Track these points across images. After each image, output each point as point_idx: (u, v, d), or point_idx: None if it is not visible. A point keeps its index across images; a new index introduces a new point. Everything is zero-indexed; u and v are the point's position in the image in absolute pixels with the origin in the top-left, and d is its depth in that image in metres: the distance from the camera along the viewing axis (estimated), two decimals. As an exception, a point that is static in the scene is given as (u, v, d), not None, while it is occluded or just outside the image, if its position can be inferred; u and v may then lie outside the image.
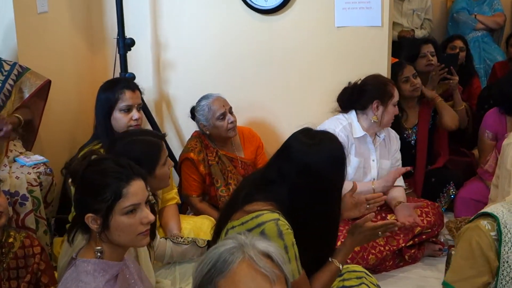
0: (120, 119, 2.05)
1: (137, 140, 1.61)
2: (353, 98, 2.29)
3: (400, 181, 2.38)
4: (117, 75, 2.61)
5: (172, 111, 2.87)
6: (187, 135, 2.65)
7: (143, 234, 1.28)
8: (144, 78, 2.48)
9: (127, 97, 2.06)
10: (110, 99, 2.04)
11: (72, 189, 1.32)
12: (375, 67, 2.44)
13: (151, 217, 1.28)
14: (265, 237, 1.27)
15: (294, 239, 1.34)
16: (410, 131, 2.67)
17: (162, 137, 1.70)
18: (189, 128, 2.64)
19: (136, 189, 1.26)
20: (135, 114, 2.07)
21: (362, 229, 1.51)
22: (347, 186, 1.54)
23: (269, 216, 1.36)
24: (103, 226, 1.24)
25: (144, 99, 2.24)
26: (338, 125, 2.27)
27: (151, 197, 1.41)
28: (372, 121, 2.26)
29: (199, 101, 2.47)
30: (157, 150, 1.62)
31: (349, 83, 2.33)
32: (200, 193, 2.45)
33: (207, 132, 2.44)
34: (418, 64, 2.83)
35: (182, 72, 2.80)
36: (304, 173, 1.39)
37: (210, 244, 1.66)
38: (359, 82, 2.31)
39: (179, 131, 2.88)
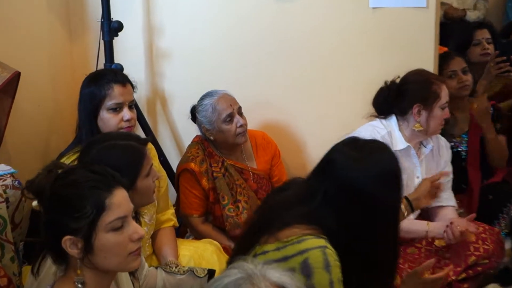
0: (109, 120, 2.04)
1: (115, 145, 1.62)
2: (389, 101, 2.24)
3: (451, 200, 2.35)
4: (101, 66, 2.59)
5: (168, 112, 2.86)
6: (187, 141, 2.64)
7: (135, 254, 1.28)
8: (133, 70, 2.43)
9: (116, 93, 2.05)
10: (95, 96, 2.04)
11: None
12: (418, 58, 2.40)
13: (141, 231, 1.29)
14: (308, 268, 1.29)
15: (341, 274, 1.35)
16: (459, 139, 2.63)
17: (146, 142, 1.70)
18: (189, 132, 2.64)
19: (121, 199, 1.27)
20: (126, 113, 2.06)
21: (419, 281, 1.53)
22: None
23: (315, 242, 1.37)
24: (86, 249, 1.24)
25: (134, 95, 2.19)
26: (375, 135, 2.20)
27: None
28: (415, 129, 2.21)
29: (202, 99, 2.46)
30: (139, 158, 1.62)
31: (385, 82, 2.27)
32: (202, 213, 2.45)
33: (211, 138, 2.44)
34: (471, 53, 2.83)
35: (180, 64, 2.79)
36: (353, 193, 1.41)
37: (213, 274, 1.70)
38: (397, 81, 2.25)
39: (177, 136, 2.87)
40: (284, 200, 1.52)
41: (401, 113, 2.23)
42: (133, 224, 1.29)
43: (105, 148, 1.60)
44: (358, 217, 1.41)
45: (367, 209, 1.42)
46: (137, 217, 1.61)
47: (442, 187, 2.07)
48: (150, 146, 2.01)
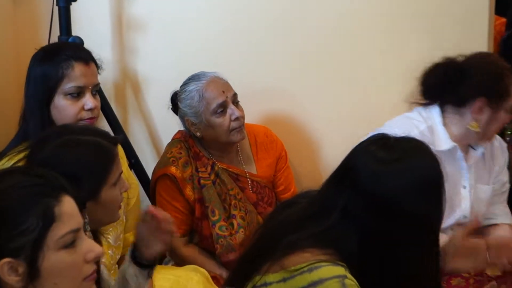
0: (65, 109, 2.04)
1: (77, 142, 1.61)
2: (445, 84, 2.14)
3: (506, 216, 2.35)
4: (54, 39, 2.57)
5: (142, 99, 2.87)
6: (166, 138, 2.65)
7: (90, 279, 1.29)
8: (96, 46, 2.36)
9: (77, 74, 2.04)
10: (49, 77, 2.03)
11: None
12: (466, 34, 2.42)
13: (99, 249, 1.30)
14: None
15: None
16: None
17: (117, 141, 1.70)
18: (169, 126, 2.65)
19: (72, 208, 1.28)
20: (89, 100, 2.06)
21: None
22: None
23: (331, 271, 1.37)
24: (30, 275, 1.22)
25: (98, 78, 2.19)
26: (412, 129, 2.14)
27: (88, 233, 1.47)
28: (470, 128, 2.15)
29: (186, 83, 2.46)
30: (108, 160, 1.63)
31: (443, 60, 2.18)
32: (185, 231, 2.46)
33: (198, 134, 2.45)
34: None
35: (157, 37, 2.81)
36: (382, 208, 1.41)
37: None
38: (459, 60, 2.17)
39: (153, 131, 2.88)
40: (291, 217, 1.53)
41: (457, 103, 2.15)
42: (87, 240, 1.30)
43: (64, 145, 1.59)
44: (386, 239, 1.42)
45: (398, 229, 1.42)
46: (95, 234, 1.66)
47: (485, 247, 1.88)
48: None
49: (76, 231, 1.27)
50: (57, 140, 1.60)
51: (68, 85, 2.03)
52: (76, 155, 1.57)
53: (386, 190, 1.43)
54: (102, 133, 1.71)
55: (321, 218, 1.46)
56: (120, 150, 2.11)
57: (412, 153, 1.47)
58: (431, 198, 1.46)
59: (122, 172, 1.68)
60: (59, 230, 1.24)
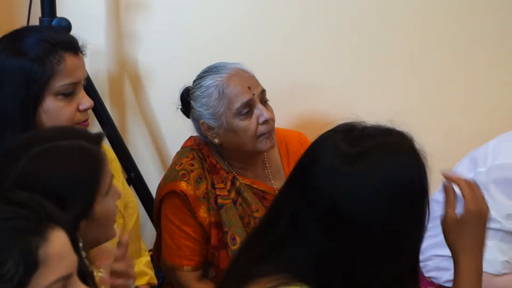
0: (59, 112, 2.06)
1: (52, 151, 1.60)
2: None
3: None
4: (35, 22, 2.57)
5: (144, 98, 2.88)
6: (174, 147, 2.64)
7: None
8: (87, 30, 2.39)
9: (70, 68, 2.06)
10: (34, 74, 2.02)
11: None
12: None
13: None
14: None
15: None
16: None
17: (99, 138, 1.70)
18: (178, 131, 2.66)
19: (61, 248, 1.25)
20: (84, 99, 2.10)
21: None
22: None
23: None
24: None
25: (88, 69, 2.21)
26: None
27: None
28: None
29: (201, 77, 2.45)
30: (94, 167, 1.63)
31: None
32: (198, 264, 2.46)
33: (216, 141, 2.44)
34: None
35: (163, 19, 2.82)
36: (336, 220, 1.44)
37: None
38: None
39: (157, 137, 2.92)
40: (251, 235, 1.62)
41: None
42: (79, 286, 1.28)
43: (37, 158, 1.58)
44: (347, 262, 1.45)
45: (360, 249, 1.45)
46: (86, 276, 1.58)
47: None
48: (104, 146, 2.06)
49: (66, 277, 1.25)
50: (27, 152, 1.58)
51: (61, 82, 2.04)
52: (56, 168, 1.57)
53: (342, 195, 1.45)
54: (80, 132, 1.72)
55: (271, 231, 1.52)
56: (109, 152, 2.22)
57: (384, 148, 1.49)
58: (404, 210, 1.46)
59: (113, 175, 1.71)
60: (45, 279, 1.21)
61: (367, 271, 1.47)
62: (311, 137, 2.39)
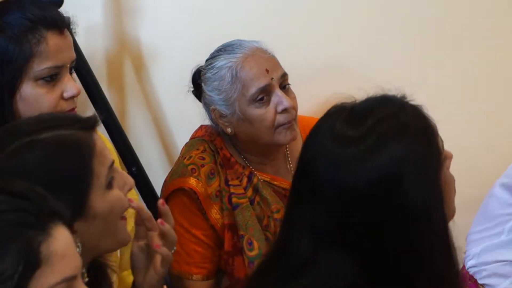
0: (39, 99, 2.05)
1: (33, 144, 1.61)
2: None
3: None
4: None
5: (147, 80, 2.90)
6: (183, 137, 2.66)
7: None
8: (79, 4, 2.43)
9: (52, 49, 2.05)
10: (9, 55, 2.02)
11: None
12: None
13: None
14: None
15: None
16: None
17: (92, 124, 1.70)
18: (187, 119, 2.69)
19: (65, 246, 1.28)
20: (69, 85, 2.09)
21: None
22: None
23: None
24: None
25: (83, 48, 2.25)
26: None
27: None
28: None
29: (214, 56, 2.47)
30: (81, 158, 1.64)
31: None
32: (209, 272, 2.47)
33: (229, 131, 2.46)
34: None
35: None
36: (361, 215, 1.51)
37: None
38: None
39: (163, 126, 2.94)
40: (265, 264, 1.67)
41: None
42: None
43: (12, 157, 1.59)
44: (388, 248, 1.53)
45: (397, 231, 1.53)
46: (98, 271, 1.72)
47: None
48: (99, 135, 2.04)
49: (70, 279, 1.26)
50: (9, 143, 1.61)
51: (42, 65, 2.04)
52: (34, 166, 1.58)
53: (351, 184, 1.51)
54: (66, 119, 1.71)
55: (292, 257, 1.56)
56: (105, 141, 2.19)
57: (386, 121, 1.54)
58: (425, 185, 1.53)
59: (113, 162, 1.69)
60: (47, 279, 1.23)
61: (410, 262, 1.53)
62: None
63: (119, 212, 1.70)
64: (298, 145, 2.50)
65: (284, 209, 1.70)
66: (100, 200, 1.64)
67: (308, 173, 1.58)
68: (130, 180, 1.75)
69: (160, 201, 1.85)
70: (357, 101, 1.61)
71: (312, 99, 2.73)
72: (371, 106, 1.59)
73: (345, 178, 1.52)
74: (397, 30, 2.83)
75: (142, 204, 1.79)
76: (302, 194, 1.59)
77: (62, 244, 1.27)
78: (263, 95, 2.40)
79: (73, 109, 2.10)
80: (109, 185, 1.65)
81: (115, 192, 1.68)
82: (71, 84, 2.09)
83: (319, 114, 2.47)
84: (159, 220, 1.81)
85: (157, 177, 2.70)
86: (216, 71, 2.43)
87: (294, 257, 1.56)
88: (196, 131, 2.57)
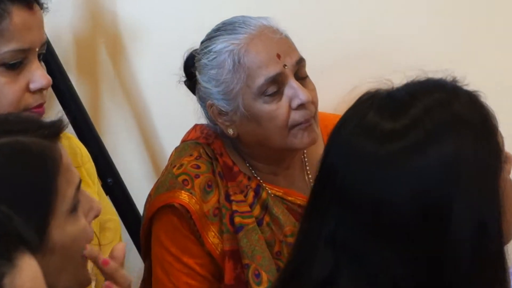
0: (0, 91, 2.06)
1: None
2: None
3: None
4: None
5: (126, 67, 2.93)
6: (172, 140, 2.64)
7: None
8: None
9: (18, 28, 2.05)
10: None
11: None
12: None
13: None
14: None
15: None
16: None
17: (58, 131, 1.67)
18: (177, 117, 2.77)
19: (34, 281, 1.26)
20: (38, 73, 2.08)
21: None
22: None
23: None
24: None
25: (47, 28, 2.17)
26: None
27: None
28: None
29: (211, 37, 2.42)
30: (41, 175, 1.61)
31: None
32: None
33: (231, 132, 2.39)
34: None
35: None
36: (393, 228, 1.48)
37: None
38: None
39: (146, 125, 2.97)
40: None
41: None
42: None
43: None
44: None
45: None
46: None
47: None
48: (72, 141, 2.15)
49: None
50: None
51: (3, 48, 2.05)
52: None
53: (391, 191, 1.47)
54: (27, 121, 1.70)
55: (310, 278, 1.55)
56: (81, 149, 2.27)
57: (432, 113, 1.49)
58: (480, 192, 1.49)
59: (80, 181, 1.66)
60: None
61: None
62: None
63: (81, 247, 1.66)
64: (319, 150, 2.40)
65: (299, 224, 1.70)
66: (61, 230, 1.61)
67: (331, 180, 1.54)
68: (97, 205, 1.71)
69: (102, 260, 1.74)
70: (395, 87, 1.56)
71: (336, 92, 2.55)
72: (414, 92, 1.54)
73: (380, 185, 1.49)
74: (438, 7, 2.85)
75: (96, 251, 1.74)
76: (323, 205, 1.56)
77: (29, 279, 1.26)
78: (274, 87, 2.33)
79: (41, 105, 2.09)
80: (73, 211, 1.62)
81: (80, 221, 1.65)
82: (40, 73, 2.09)
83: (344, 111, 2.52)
84: (102, 259, 1.75)
85: (139, 191, 2.74)
86: (213, 56, 2.37)
87: (311, 281, 1.56)
88: (188, 133, 2.50)
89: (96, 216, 1.72)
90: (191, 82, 2.45)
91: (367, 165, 1.50)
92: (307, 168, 2.51)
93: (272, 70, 2.32)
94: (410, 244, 1.50)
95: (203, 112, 2.44)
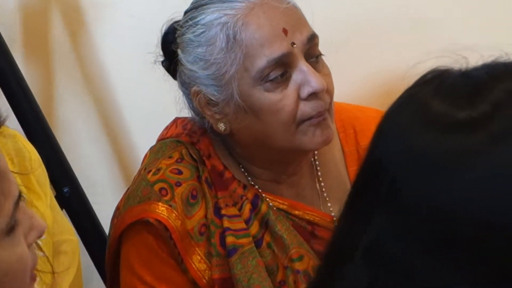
0: None
1: None
2: None
3: None
4: None
5: (88, 47, 2.86)
6: (146, 140, 2.58)
7: None
8: None
9: None
10: None
11: None
12: None
13: None
14: None
15: None
16: None
17: None
18: (152, 108, 2.77)
19: None
20: None
21: None
22: None
23: None
24: None
25: None
26: None
27: None
28: None
29: (197, 6, 2.31)
30: None
31: None
32: None
33: (222, 128, 2.27)
34: None
35: None
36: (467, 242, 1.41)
37: None
38: None
39: (115, 122, 2.93)
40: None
41: None
42: None
43: None
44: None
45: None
46: None
47: None
48: (17, 141, 2.15)
49: None
50: None
51: None
52: None
53: (464, 196, 1.37)
54: None
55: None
56: (32, 154, 2.21)
57: None
58: None
59: (19, 193, 1.58)
60: None
61: None
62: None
63: (19, 277, 1.58)
64: (334, 151, 2.46)
65: (332, 233, 1.62)
66: None
67: (378, 180, 1.44)
68: (40, 224, 1.63)
69: None
70: (464, 68, 1.44)
71: (354, 76, 2.67)
72: (493, 73, 1.42)
73: (448, 190, 1.37)
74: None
75: None
76: (363, 210, 1.47)
77: None
78: (279, 71, 2.19)
79: None
80: (10, 232, 1.53)
81: (18, 246, 1.56)
82: None
83: (374, 101, 2.70)
84: None
85: (104, 203, 2.67)
86: (201, 30, 2.24)
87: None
88: (167, 128, 2.41)
89: (39, 237, 1.63)
90: (171, 63, 2.30)
91: (431, 164, 1.38)
92: (319, 173, 2.38)
93: (276, 50, 2.18)
94: (482, 262, 1.36)
95: (186, 101, 2.30)
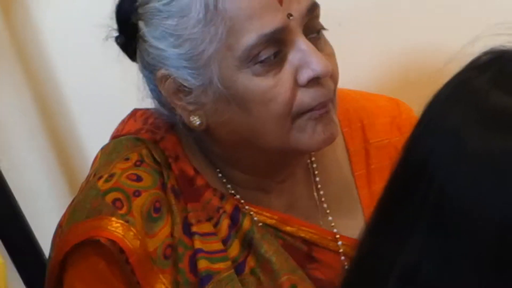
0: None
1: None
2: None
3: None
4: None
5: (26, 22, 2.83)
6: (96, 138, 2.48)
7: None
8: None
9: None
10: None
11: None
12: None
13: None
14: None
15: None
16: None
17: None
18: (106, 99, 2.75)
19: None
20: None
21: None
22: None
23: None
24: None
25: None
26: None
27: None
28: None
29: None
30: None
31: None
32: None
33: (196, 122, 2.11)
34: None
35: None
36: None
37: None
38: None
39: (57, 115, 2.89)
40: None
41: None
42: None
43: None
44: None
45: None
46: None
47: None
48: None
49: None
50: None
51: None
52: None
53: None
54: None
55: None
56: None
57: None
58: None
59: None
60: None
61: None
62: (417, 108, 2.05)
63: None
64: (338, 152, 2.35)
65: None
66: None
67: (419, 188, 1.42)
68: None
69: None
70: None
71: (360, 55, 2.63)
72: None
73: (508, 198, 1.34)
74: None
75: None
76: (400, 224, 1.46)
77: None
78: (271, 50, 2.03)
79: None
80: None
81: None
82: None
83: (386, 88, 2.80)
84: None
85: (43, 217, 2.64)
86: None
87: None
88: (124, 123, 2.25)
89: None
90: (129, 40, 2.12)
91: (491, 170, 1.33)
92: (317, 179, 2.23)
93: (269, 23, 2.01)
94: None
95: (149, 89, 2.12)
